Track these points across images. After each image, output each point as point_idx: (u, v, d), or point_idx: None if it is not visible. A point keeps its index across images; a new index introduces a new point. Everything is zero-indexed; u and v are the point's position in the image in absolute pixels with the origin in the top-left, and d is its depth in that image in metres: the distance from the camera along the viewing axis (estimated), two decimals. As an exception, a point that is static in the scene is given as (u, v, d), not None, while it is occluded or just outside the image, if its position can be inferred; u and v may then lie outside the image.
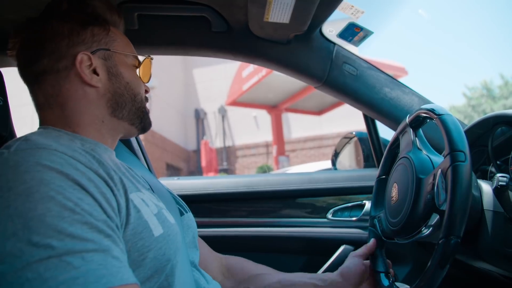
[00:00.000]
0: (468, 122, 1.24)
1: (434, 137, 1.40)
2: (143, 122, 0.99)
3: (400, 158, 1.13)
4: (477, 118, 1.17)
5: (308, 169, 5.20)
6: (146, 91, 1.02)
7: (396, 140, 1.22)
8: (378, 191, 1.26)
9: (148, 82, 1.04)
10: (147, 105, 1.02)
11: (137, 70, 1.00)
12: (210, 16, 1.33)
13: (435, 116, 0.99)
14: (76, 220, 0.62)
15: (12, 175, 0.65)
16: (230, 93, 12.09)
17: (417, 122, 1.12)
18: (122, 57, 0.95)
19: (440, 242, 0.84)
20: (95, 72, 0.89)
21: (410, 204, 0.98)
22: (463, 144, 0.89)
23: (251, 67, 10.72)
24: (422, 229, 0.95)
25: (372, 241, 1.18)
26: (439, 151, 1.08)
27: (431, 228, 0.92)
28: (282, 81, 10.14)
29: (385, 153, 1.28)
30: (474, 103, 23.93)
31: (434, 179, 0.92)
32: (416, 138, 1.10)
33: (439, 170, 0.91)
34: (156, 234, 0.77)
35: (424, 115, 1.07)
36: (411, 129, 1.13)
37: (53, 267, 0.56)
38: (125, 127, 0.96)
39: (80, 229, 0.61)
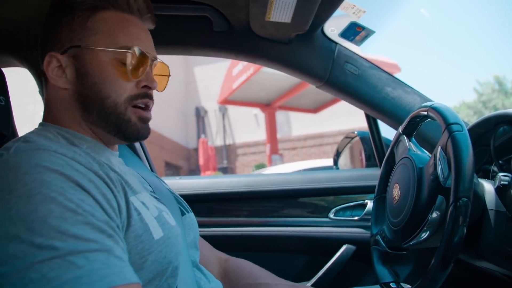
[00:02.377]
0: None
1: (432, 136, 1.41)
2: (122, 131, 0.87)
3: (398, 161, 1.14)
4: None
5: (294, 167, 5.15)
6: (145, 93, 0.88)
7: (391, 154, 1.23)
8: (377, 210, 1.26)
9: (138, 78, 0.87)
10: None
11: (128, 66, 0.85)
12: (212, 16, 1.33)
13: (427, 108, 1.03)
14: (78, 221, 0.62)
15: (12, 177, 0.65)
16: (222, 91, 11.99)
17: (410, 128, 1.15)
18: (97, 53, 0.85)
19: (450, 207, 0.84)
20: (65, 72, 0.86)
21: (413, 194, 0.99)
22: (457, 117, 0.93)
23: (240, 65, 10.55)
24: (423, 230, 0.95)
25: None
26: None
27: (429, 231, 0.92)
28: (272, 79, 10.05)
29: (381, 169, 1.28)
30: (485, 98, 23.91)
31: (435, 159, 0.94)
32: (411, 144, 1.12)
33: (439, 148, 0.93)
34: (156, 237, 0.77)
35: (417, 114, 1.10)
36: (405, 137, 1.16)
37: (56, 267, 0.56)
38: (103, 134, 0.88)
39: (83, 229, 0.61)
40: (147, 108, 0.90)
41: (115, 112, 0.85)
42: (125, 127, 0.86)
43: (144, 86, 0.88)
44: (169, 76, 1.01)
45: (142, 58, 0.87)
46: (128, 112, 0.86)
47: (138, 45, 0.86)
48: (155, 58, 0.92)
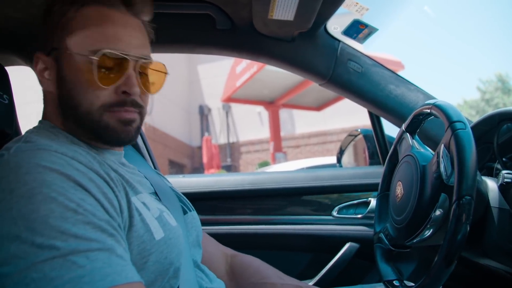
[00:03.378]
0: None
1: (435, 134, 1.41)
2: (101, 138, 0.82)
3: (401, 159, 1.13)
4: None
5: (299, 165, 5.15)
6: (123, 101, 0.81)
7: (394, 152, 1.23)
8: (381, 208, 1.26)
9: (123, 88, 0.80)
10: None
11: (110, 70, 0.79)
12: (214, 14, 1.33)
13: (430, 106, 1.03)
14: (79, 221, 0.62)
15: (13, 177, 0.65)
16: (225, 89, 11.98)
17: (413, 126, 1.15)
18: (73, 56, 0.79)
19: (453, 205, 0.84)
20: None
21: (416, 192, 0.99)
22: (460, 115, 0.93)
23: (244, 63, 10.54)
24: (426, 227, 0.94)
25: None
26: None
27: (432, 229, 0.92)
28: (275, 77, 10.03)
29: (384, 167, 1.28)
30: (488, 97, 23.84)
31: (438, 157, 0.94)
32: (414, 141, 1.12)
33: (442, 146, 0.93)
34: (157, 237, 0.77)
35: (420, 112, 1.10)
36: (408, 134, 1.16)
37: (58, 266, 0.57)
38: (87, 141, 0.84)
39: (84, 229, 0.62)
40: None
41: (89, 119, 0.80)
42: (102, 133, 0.81)
43: (124, 92, 0.80)
44: (165, 73, 0.92)
45: (118, 62, 0.79)
46: (105, 117, 0.80)
47: (114, 46, 0.79)
48: (144, 58, 0.83)
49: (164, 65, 0.91)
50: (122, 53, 0.79)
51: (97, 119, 0.80)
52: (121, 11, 0.83)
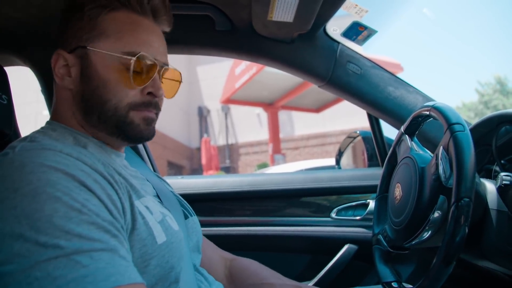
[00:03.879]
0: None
1: (434, 136, 1.41)
2: (124, 133, 0.86)
3: (400, 161, 1.14)
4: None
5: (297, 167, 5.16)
6: (149, 102, 0.86)
7: (393, 154, 1.23)
8: (379, 210, 1.26)
9: (150, 89, 0.86)
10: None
11: (130, 72, 0.83)
12: (214, 15, 1.33)
13: (429, 108, 1.03)
14: (83, 221, 0.62)
15: (18, 176, 0.65)
16: (224, 90, 12.01)
17: (412, 128, 1.15)
18: (102, 56, 0.83)
19: (452, 207, 0.84)
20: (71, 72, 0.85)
21: (415, 194, 0.99)
22: (459, 117, 0.93)
23: (243, 64, 10.55)
24: (424, 229, 0.94)
25: None
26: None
27: (431, 231, 0.92)
28: (274, 79, 10.06)
29: (383, 169, 1.28)
30: (486, 99, 23.90)
31: (436, 159, 0.94)
32: (413, 143, 1.12)
33: (441, 148, 0.93)
34: (159, 241, 0.77)
35: (419, 114, 1.10)
36: (407, 136, 1.16)
37: (61, 266, 0.57)
38: (105, 137, 0.87)
39: (88, 229, 0.62)
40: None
41: (116, 115, 0.84)
42: (127, 129, 0.85)
43: (149, 93, 0.86)
44: (180, 82, 0.98)
45: (149, 65, 0.85)
46: (131, 115, 0.84)
47: (146, 51, 0.84)
48: (166, 64, 0.90)
49: (180, 73, 0.98)
50: (154, 58, 0.86)
51: (124, 115, 0.84)
52: (149, 19, 0.89)
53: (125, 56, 0.82)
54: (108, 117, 0.83)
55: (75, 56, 0.85)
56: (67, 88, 0.86)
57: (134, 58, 0.82)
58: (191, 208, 1.10)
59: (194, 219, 1.07)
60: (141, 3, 0.87)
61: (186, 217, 1.03)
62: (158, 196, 0.96)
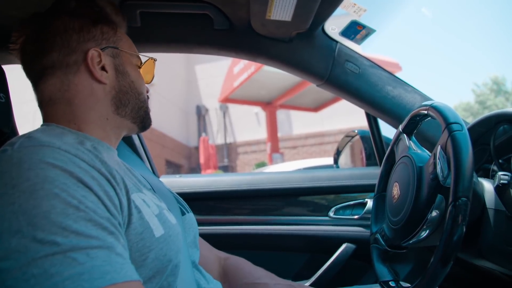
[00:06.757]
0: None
1: (432, 135, 1.41)
2: (144, 121, 0.99)
3: (398, 160, 1.14)
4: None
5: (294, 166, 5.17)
6: (147, 91, 1.03)
7: (391, 153, 1.23)
8: (377, 209, 1.26)
9: (150, 82, 1.05)
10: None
11: (140, 70, 1.01)
12: (212, 14, 1.33)
13: (427, 107, 1.03)
14: (80, 217, 0.62)
15: (16, 173, 0.65)
16: (223, 89, 11.97)
17: (410, 127, 1.15)
18: (128, 56, 0.97)
19: (450, 206, 0.84)
20: (103, 68, 0.91)
21: (413, 193, 0.99)
22: (457, 117, 0.93)
23: (241, 63, 10.54)
24: (422, 228, 0.95)
25: None
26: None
27: (428, 230, 0.92)
28: (273, 78, 10.03)
29: (381, 168, 1.28)
30: (482, 99, 23.96)
31: (434, 158, 0.94)
32: (411, 142, 1.12)
33: (439, 147, 0.93)
34: (157, 234, 0.77)
35: (417, 113, 1.10)
36: (405, 135, 1.16)
37: (58, 263, 0.57)
38: (128, 125, 0.97)
39: (85, 226, 0.62)
40: None
41: (144, 106, 0.99)
42: (147, 118, 1.00)
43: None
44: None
45: (152, 64, 1.06)
46: (148, 105, 1.01)
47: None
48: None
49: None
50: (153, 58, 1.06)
51: (147, 105, 1.00)
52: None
53: (143, 57, 1.02)
54: (140, 107, 0.97)
55: (106, 54, 0.92)
56: (100, 83, 0.90)
57: (150, 59, 1.04)
58: (187, 205, 1.12)
59: (191, 216, 1.09)
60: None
61: (182, 214, 1.05)
62: (154, 192, 0.97)
